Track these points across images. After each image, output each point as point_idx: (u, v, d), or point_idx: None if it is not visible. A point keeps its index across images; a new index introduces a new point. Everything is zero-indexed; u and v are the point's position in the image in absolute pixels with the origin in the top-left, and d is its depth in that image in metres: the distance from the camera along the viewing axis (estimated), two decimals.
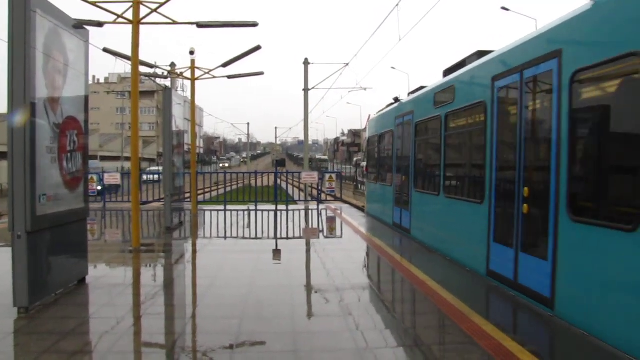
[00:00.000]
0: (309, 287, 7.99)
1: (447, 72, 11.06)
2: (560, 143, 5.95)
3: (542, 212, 6.34)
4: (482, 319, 5.88)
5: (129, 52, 11.05)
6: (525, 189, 6.83)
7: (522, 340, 5.25)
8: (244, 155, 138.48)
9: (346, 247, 11.85)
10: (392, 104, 15.33)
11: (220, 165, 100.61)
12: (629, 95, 5.13)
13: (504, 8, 32.46)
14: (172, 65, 20.52)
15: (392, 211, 14.54)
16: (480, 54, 9.42)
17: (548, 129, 6.27)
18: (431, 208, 11.19)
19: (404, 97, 14.43)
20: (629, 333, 4.81)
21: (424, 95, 12.00)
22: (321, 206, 20.17)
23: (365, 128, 18.09)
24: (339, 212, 18.32)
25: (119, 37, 14.15)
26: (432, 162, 11.39)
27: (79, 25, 7.47)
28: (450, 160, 10.27)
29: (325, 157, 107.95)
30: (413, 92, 13.56)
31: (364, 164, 23.17)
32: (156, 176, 24.49)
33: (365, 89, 33.97)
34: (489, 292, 7.55)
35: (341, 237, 13.44)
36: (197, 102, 18.12)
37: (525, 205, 6.82)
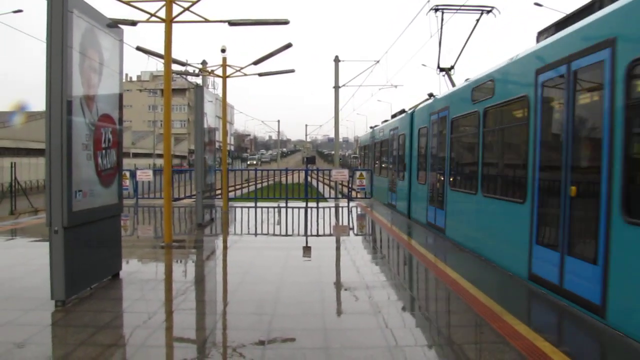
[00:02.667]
0: (338, 285, 7.99)
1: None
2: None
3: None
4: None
5: (161, 50, 11.19)
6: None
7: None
8: (270, 152, 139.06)
9: (376, 245, 11.85)
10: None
11: (247, 163, 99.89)
12: None
13: (537, 4, 31.87)
14: (204, 63, 20.72)
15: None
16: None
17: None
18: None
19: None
20: None
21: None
22: (352, 204, 20.14)
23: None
24: (369, 209, 18.29)
25: (152, 35, 14.33)
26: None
27: (114, 25, 7.60)
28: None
29: (356, 155, 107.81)
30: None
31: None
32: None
33: (395, 86, 34.20)
34: (530, 297, 7.17)
35: (371, 234, 13.43)
36: (228, 100, 18.26)
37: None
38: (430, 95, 14.31)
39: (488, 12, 14.25)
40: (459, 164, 11.73)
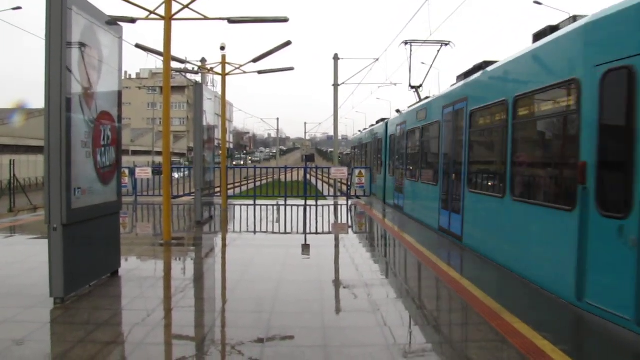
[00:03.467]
0: (337, 283, 8.00)
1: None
2: None
3: None
4: None
5: (160, 48, 11.18)
6: None
7: None
8: (266, 151, 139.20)
9: (373, 243, 11.86)
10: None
11: (234, 162, 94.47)
12: None
13: (536, 2, 31.83)
14: (203, 60, 20.65)
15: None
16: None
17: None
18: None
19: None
20: None
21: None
22: (350, 202, 20.15)
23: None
24: (368, 207, 18.30)
25: (151, 33, 14.32)
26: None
27: (113, 22, 7.59)
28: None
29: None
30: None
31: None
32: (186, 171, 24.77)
33: (395, 84, 33.79)
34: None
35: (370, 232, 13.44)
36: (227, 97, 18.24)
37: None
38: (397, 110, 16.92)
39: (446, 44, 17.92)
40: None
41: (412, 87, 19.09)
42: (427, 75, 31.52)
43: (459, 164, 11.06)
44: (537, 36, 8.07)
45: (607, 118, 5.92)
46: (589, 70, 6.09)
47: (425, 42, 18.16)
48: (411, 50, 18.50)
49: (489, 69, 9.94)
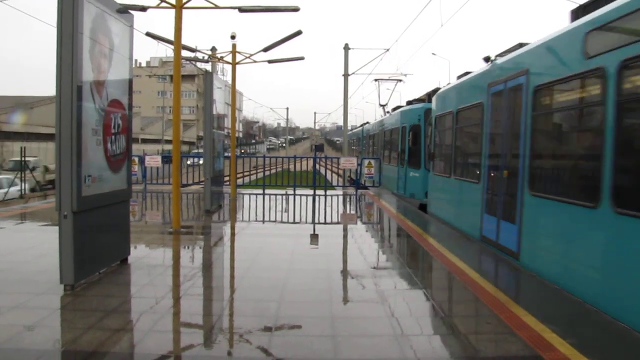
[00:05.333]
0: (345, 272, 8.00)
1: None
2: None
3: None
4: None
5: (171, 36, 11.18)
6: None
7: None
8: (272, 140, 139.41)
9: (384, 234, 11.86)
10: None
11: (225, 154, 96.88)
12: None
13: None
14: (213, 49, 20.68)
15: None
16: None
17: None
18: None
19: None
20: None
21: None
22: (359, 192, 20.13)
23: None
24: (377, 198, 18.28)
25: (162, 21, 14.33)
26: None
27: (124, 10, 7.58)
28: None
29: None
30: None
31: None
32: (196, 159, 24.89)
33: (405, 74, 33.64)
34: None
35: (378, 223, 13.44)
36: (237, 87, 18.24)
37: None
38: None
39: (400, 80, 27.99)
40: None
41: (381, 106, 28.52)
42: (390, 97, 41.81)
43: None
44: None
45: None
46: None
47: (388, 79, 28.28)
48: (379, 85, 27.89)
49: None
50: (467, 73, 12.50)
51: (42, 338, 4.93)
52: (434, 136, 14.94)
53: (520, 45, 9.32)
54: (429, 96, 18.91)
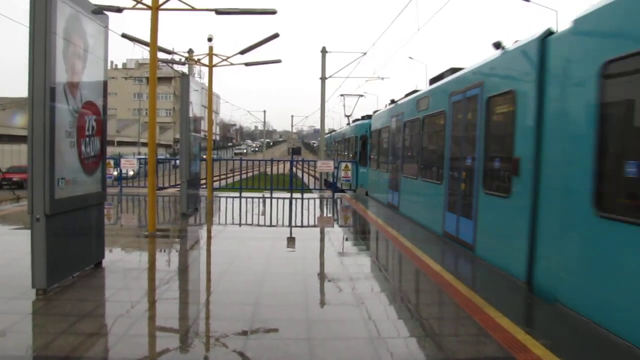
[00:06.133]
0: (322, 276, 8.01)
1: None
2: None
3: None
4: None
5: (147, 38, 11.09)
6: None
7: None
8: (247, 143, 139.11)
9: (358, 236, 11.90)
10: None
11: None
12: None
13: None
14: (190, 51, 20.50)
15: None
16: None
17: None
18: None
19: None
20: None
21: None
22: (336, 195, 20.16)
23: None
24: (354, 201, 18.33)
25: (138, 23, 14.21)
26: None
27: (99, 11, 7.50)
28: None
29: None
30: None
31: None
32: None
33: (382, 78, 34.43)
34: None
35: (354, 225, 13.47)
36: (214, 89, 18.16)
37: None
38: (331, 130, 25.28)
39: (362, 95, 31.69)
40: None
41: (346, 116, 32.23)
42: (354, 108, 48.46)
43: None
44: None
45: None
46: None
47: (351, 94, 31.53)
48: (344, 100, 31.37)
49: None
50: (393, 101, 17.93)
51: (13, 343, 4.84)
52: (371, 144, 21.39)
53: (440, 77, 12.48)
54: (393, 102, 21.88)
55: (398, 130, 15.65)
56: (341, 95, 31.61)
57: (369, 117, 25.46)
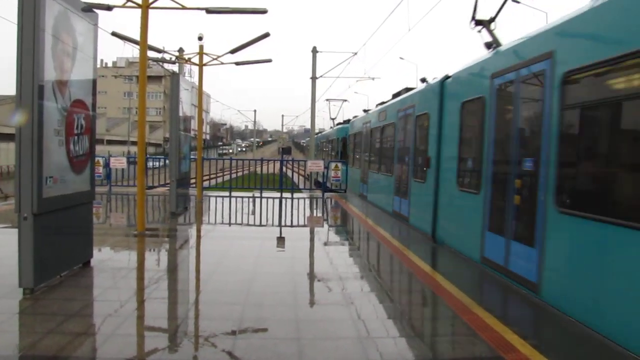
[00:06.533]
0: (311, 275, 8.01)
1: None
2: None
3: None
4: None
5: (137, 37, 11.04)
6: None
7: None
8: (237, 143, 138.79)
9: (347, 236, 11.91)
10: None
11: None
12: None
13: (515, 0, 32.17)
14: (180, 50, 20.42)
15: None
16: None
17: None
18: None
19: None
20: None
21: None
22: (326, 195, 20.17)
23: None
24: (343, 201, 18.34)
25: (129, 21, 14.13)
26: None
27: (88, 9, 7.46)
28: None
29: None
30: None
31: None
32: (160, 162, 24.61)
33: (373, 78, 34.68)
34: None
35: (344, 225, 13.49)
36: (204, 88, 18.11)
37: None
38: (321, 130, 28.40)
39: (345, 100, 33.72)
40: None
41: (332, 119, 34.98)
42: (339, 111, 49.01)
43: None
44: None
45: None
46: None
47: (336, 99, 33.75)
48: (330, 105, 33.70)
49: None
50: (366, 110, 22.33)
51: None
52: (349, 145, 24.51)
53: (407, 89, 15.62)
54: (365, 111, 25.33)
55: (367, 135, 19.40)
56: (327, 100, 34.84)
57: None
